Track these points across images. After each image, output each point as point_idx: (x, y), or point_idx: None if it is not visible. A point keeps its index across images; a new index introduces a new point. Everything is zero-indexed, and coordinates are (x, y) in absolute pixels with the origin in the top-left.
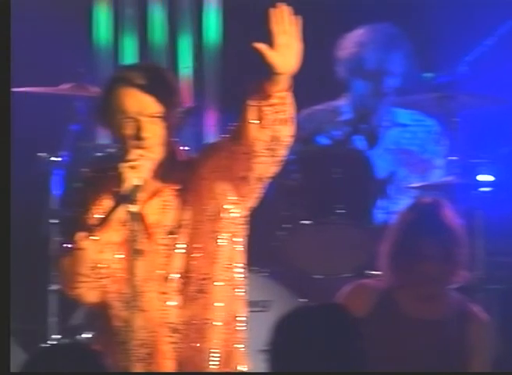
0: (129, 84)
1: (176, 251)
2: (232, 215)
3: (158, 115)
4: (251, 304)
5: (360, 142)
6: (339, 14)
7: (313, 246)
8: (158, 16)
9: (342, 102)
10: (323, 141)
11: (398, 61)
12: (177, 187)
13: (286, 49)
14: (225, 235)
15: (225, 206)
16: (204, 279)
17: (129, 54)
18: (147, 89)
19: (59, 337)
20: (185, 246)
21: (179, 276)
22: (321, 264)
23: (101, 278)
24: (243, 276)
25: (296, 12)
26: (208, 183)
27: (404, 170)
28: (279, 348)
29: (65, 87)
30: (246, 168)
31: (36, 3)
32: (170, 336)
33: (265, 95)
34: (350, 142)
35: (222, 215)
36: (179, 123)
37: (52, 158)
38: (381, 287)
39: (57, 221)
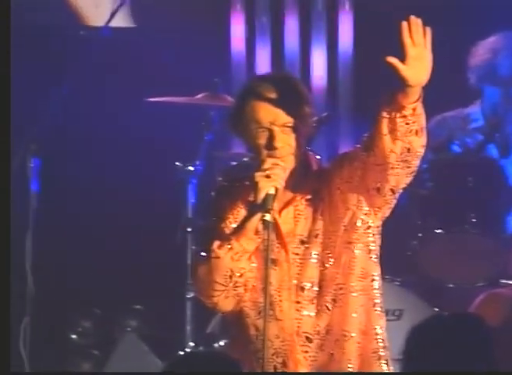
0: (261, 95)
1: (310, 260)
2: (366, 225)
3: (290, 125)
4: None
5: (492, 150)
6: (472, 21)
7: (445, 255)
8: (291, 26)
9: (473, 109)
10: (455, 149)
11: None
12: (310, 197)
13: (417, 62)
14: (359, 245)
15: (359, 216)
16: (339, 289)
17: (263, 63)
18: (280, 99)
19: (195, 345)
20: (318, 256)
21: (312, 285)
22: (454, 273)
23: (236, 287)
24: (378, 286)
25: (429, 20)
26: (342, 193)
27: None
28: (413, 357)
29: (199, 97)
30: (379, 179)
31: (170, 14)
32: (304, 345)
33: (398, 107)
34: (482, 150)
35: (356, 225)
36: (311, 133)
37: (188, 168)
38: None
39: (192, 230)
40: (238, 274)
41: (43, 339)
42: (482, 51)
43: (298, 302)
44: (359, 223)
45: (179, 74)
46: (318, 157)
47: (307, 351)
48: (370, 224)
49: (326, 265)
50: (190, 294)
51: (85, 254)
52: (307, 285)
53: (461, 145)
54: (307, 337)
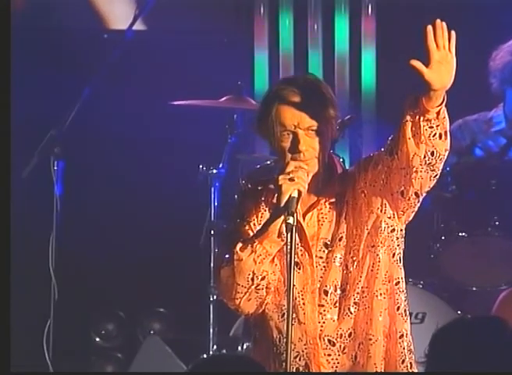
0: (286, 98)
1: (334, 264)
2: (390, 228)
3: (314, 128)
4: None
5: None
6: (495, 25)
7: (468, 258)
8: (315, 28)
9: (496, 113)
10: (478, 152)
11: None
12: (334, 200)
13: (441, 66)
14: (383, 248)
15: (383, 220)
16: (362, 292)
17: (287, 66)
18: (304, 102)
19: (219, 347)
20: (342, 259)
21: (335, 289)
22: (477, 276)
23: (258, 289)
24: (402, 289)
25: (451, 24)
26: (366, 196)
27: None
28: (436, 360)
29: (223, 100)
30: (403, 182)
31: (194, 17)
32: (327, 349)
33: (422, 110)
34: (505, 153)
35: (380, 228)
36: (336, 136)
37: (212, 171)
38: None
39: (216, 232)
40: (260, 277)
41: (66, 342)
42: (503, 53)
43: (321, 306)
44: (383, 227)
45: (203, 77)
46: (342, 160)
47: (329, 355)
48: (394, 227)
49: (350, 268)
50: (214, 297)
51: (108, 256)
52: (331, 289)
53: (484, 148)
54: (329, 341)
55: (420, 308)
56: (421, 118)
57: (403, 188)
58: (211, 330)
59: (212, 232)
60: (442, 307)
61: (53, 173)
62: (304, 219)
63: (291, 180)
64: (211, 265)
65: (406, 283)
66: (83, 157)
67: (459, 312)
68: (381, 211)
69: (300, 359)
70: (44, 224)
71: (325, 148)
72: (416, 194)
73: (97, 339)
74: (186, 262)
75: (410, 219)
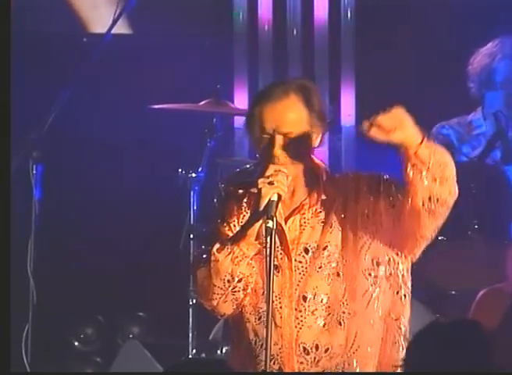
0: (271, 99)
1: (316, 271)
2: (394, 263)
3: (293, 134)
4: None
5: (496, 158)
6: (472, 30)
7: (448, 261)
8: (294, 31)
9: (475, 116)
10: (459, 155)
11: None
12: (319, 207)
13: (397, 131)
14: (383, 282)
15: (385, 253)
16: (349, 314)
17: (266, 70)
18: (289, 107)
19: (199, 351)
20: (327, 269)
21: (315, 297)
22: (457, 279)
23: (235, 291)
24: (402, 326)
25: (431, 30)
26: (369, 220)
27: None
28: (414, 363)
29: (202, 104)
30: (411, 226)
31: (172, 20)
32: (301, 356)
33: (405, 157)
34: (485, 157)
35: (377, 259)
36: (318, 145)
37: (191, 175)
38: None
39: (195, 236)
40: (237, 279)
41: (45, 345)
42: (481, 57)
43: (299, 311)
44: (385, 259)
45: (182, 81)
46: (326, 165)
47: (302, 363)
48: (399, 264)
49: (337, 283)
50: (193, 301)
51: (87, 260)
52: (310, 295)
53: (465, 151)
54: (304, 348)
55: None
56: (407, 164)
57: (408, 231)
58: (191, 334)
59: (192, 236)
60: (421, 310)
61: (32, 176)
62: (285, 222)
63: (270, 183)
64: (191, 269)
65: None
66: (62, 161)
67: (438, 316)
68: (383, 245)
69: (274, 363)
70: (23, 228)
71: (304, 155)
72: (422, 237)
73: (76, 343)
74: (166, 265)
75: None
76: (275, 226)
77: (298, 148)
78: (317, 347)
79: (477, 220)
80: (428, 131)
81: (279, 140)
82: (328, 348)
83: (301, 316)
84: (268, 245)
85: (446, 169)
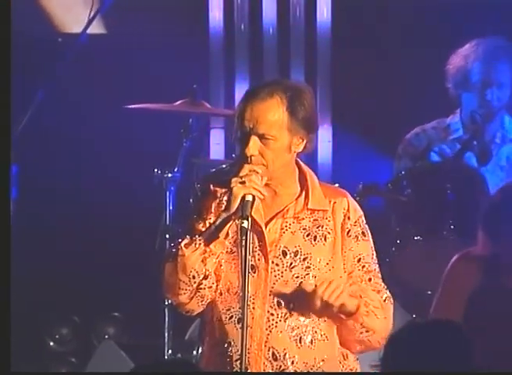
0: (254, 98)
1: (292, 278)
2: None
3: (270, 136)
4: None
5: (471, 158)
6: (451, 32)
7: (424, 261)
8: (270, 31)
9: (453, 119)
10: (433, 156)
11: (504, 73)
12: (303, 216)
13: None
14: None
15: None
16: (316, 325)
17: (243, 70)
18: (271, 107)
19: (174, 352)
20: (302, 280)
21: (289, 304)
22: (432, 279)
23: (201, 288)
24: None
25: (409, 33)
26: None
27: None
28: (390, 363)
29: (178, 104)
30: None
31: (148, 21)
32: (268, 360)
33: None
34: (461, 158)
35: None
36: (303, 151)
37: (167, 175)
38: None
39: (171, 236)
40: (202, 275)
41: (20, 346)
42: (457, 58)
43: (272, 314)
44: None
45: (158, 81)
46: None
47: (267, 366)
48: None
49: (313, 298)
50: (169, 301)
51: (62, 261)
52: (283, 302)
53: (440, 154)
54: (273, 353)
55: None
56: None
57: None
58: (166, 334)
59: (167, 236)
60: (398, 310)
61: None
62: (266, 224)
63: (242, 183)
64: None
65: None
66: (38, 161)
67: (414, 316)
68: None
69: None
70: None
71: (280, 159)
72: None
73: (52, 343)
74: (141, 266)
75: None
76: (250, 227)
77: (274, 151)
78: (284, 356)
79: (452, 220)
80: (404, 131)
81: (254, 140)
82: (293, 361)
83: (273, 320)
84: (244, 245)
85: (374, 335)
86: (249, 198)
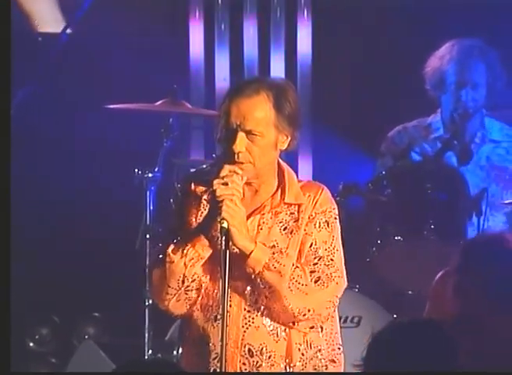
0: (239, 94)
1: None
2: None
3: (257, 133)
4: (342, 320)
5: (451, 158)
6: (431, 32)
7: (404, 261)
8: (250, 31)
9: (434, 119)
10: (414, 156)
11: (479, 74)
12: (280, 211)
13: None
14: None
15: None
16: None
17: (223, 69)
18: (257, 104)
19: (155, 352)
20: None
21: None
22: (413, 279)
23: (188, 290)
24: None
25: (391, 33)
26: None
27: (496, 187)
28: (373, 363)
29: (158, 104)
30: None
31: (129, 20)
32: (244, 356)
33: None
34: (441, 158)
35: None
36: (287, 149)
37: (148, 174)
38: None
39: (151, 236)
40: (191, 279)
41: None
42: (434, 59)
43: (248, 311)
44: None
45: (139, 81)
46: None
47: (244, 364)
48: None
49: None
50: (149, 301)
51: (42, 260)
52: (260, 300)
53: (421, 153)
54: (249, 350)
55: (356, 311)
56: None
57: None
58: (147, 335)
59: (148, 236)
60: (378, 311)
61: None
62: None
63: (225, 184)
64: (147, 269)
65: None
66: (17, 160)
67: (395, 316)
68: None
69: (218, 361)
70: None
71: (267, 156)
72: None
73: (31, 344)
74: (121, 266)
75: None
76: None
77: (261, 147)
78: (261, 351)
79: (433, 220)
80: (386, 134)
81: (241, 136)
82: (270, 355)
83: (249, 316)
84: (224, 246)
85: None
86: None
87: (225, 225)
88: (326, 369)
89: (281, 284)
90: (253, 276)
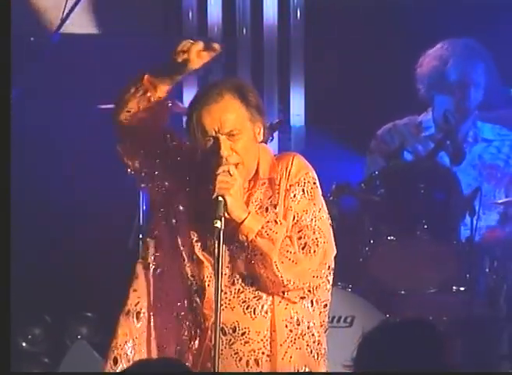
0: (207, 102)
1: (251, 263)
2: None
3: (236, 132)
4: (335, 319)
5: (444, 158)
6: (421, 31)
7: (397, 262)
8: (243, 31)
9: (425, 117)
10: (407, 156)
11: (478, 74)
12: (262, 204)
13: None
14: None
15: None
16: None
17: (216, 70)
18: (226, 106)
19: None
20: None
21: (241, 281)
22: (406, 279)
23: None
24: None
25: (381, 31)
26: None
27: (488, 185)
28: (364, 362)
29: None
30: None
31: (122, 20)
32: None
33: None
34: (434, 158)
35: None
36: (263, 140)
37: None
38: None
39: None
40: None
41: None
42: (429, 59)
43: (225, 293)
44: None
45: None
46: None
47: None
48: None
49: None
50: None
51: (34, 259)
52: (238, 281)
53: (413, 152)
54: (222, 329)
55: (349, 311)
56: None
57: None
58: None
59: (141, 235)
60: (371, 310)
61: None
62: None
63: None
64: None
65: (335, 286)
66: (6, 161)
67: (387, 316)
68: None
69: (194, 341)
70: None
71: (251, 151)
72: None
73: (24, 343)
74: (114, 265)
75: None
76: (223, 227)
77: (244, 144)
78: (234, 329)
79: (426, 220)
80: (376, 132)
81: (224, 140)
82: (244, 332)
83: (226, 298)
84: (217, 246)
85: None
86: (220, 198)
87: (217, 225)
88: (319, 344)
89: (273, 251)
90: (245, 244)
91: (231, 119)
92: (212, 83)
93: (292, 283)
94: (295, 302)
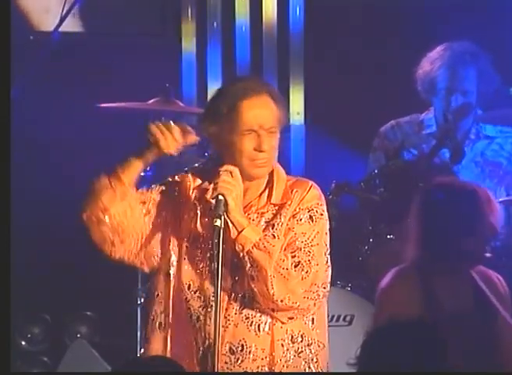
0: (251, 97)
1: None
2: None
3: (273, 129)
4: (335, 318)
5: (445, 156)
6: (426, 32)
7: (397, 260)
8: (243, 29)
9: (427, 115)
10: (407, 155)
11: (470, 79)
12: (266, 211)
13: None
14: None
15: None
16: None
17: (214, 68)
18: (266, 103)
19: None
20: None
21: (244, 297)
22: None
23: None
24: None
25: (385, 30)
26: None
27: (491, 182)
28: (368, 361)
29: (151, 102)
30: None
31: (122, 19)
32: (226, 355)
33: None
34: (434, 156)
35: None
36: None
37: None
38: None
39: None
40: None
41: None
42: (425, 63)
43: (226, 309)
44: None
45: (131, 79)
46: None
47: (226, 363)
48: None
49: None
50: (141, 300)
51: (34, 258)
52: (239, 296)
53: (415, 150)
54: (230, 348)
55: (348, 310)
56: None
57: None
58: (139, 334)
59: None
60: (371, 309)
61: None
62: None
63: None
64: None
65: (334, 285)
66: (5, 161)
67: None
68: None
69: (202, 361)
70: None
71: (276, 153)
72: None
73: (23, 343)
74: (113, 264)
75: None
76: (222, 225)
77: (275, 144)
78: (242, 347)
79: None
80: (377, 129)
81: (265, 136)
82: (251, 351)
83: (228, 315)
84: (216, 244)
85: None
86: (221, 196)
87: (217, 223)
88: (317, 362)
89: (269, 264)
90: (241, 255)
91: (270, 116)
92: (249, 77)
93: (280, 300)
94: (284, 322)
